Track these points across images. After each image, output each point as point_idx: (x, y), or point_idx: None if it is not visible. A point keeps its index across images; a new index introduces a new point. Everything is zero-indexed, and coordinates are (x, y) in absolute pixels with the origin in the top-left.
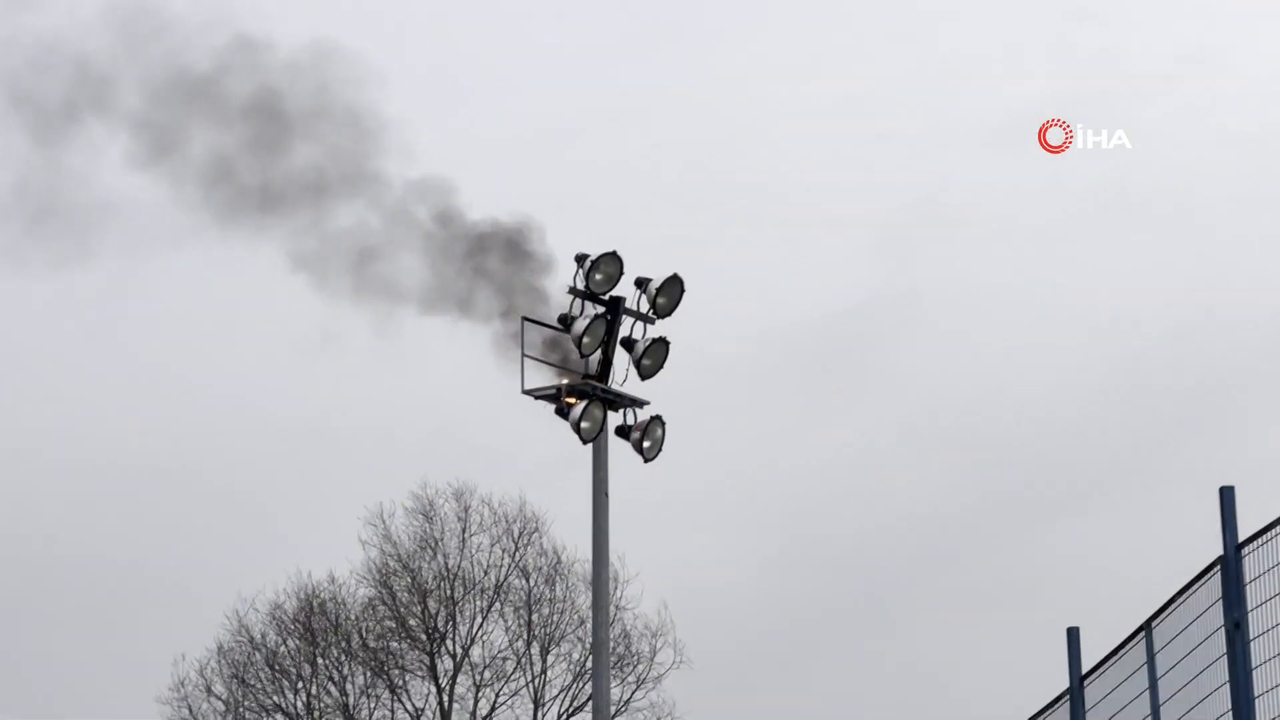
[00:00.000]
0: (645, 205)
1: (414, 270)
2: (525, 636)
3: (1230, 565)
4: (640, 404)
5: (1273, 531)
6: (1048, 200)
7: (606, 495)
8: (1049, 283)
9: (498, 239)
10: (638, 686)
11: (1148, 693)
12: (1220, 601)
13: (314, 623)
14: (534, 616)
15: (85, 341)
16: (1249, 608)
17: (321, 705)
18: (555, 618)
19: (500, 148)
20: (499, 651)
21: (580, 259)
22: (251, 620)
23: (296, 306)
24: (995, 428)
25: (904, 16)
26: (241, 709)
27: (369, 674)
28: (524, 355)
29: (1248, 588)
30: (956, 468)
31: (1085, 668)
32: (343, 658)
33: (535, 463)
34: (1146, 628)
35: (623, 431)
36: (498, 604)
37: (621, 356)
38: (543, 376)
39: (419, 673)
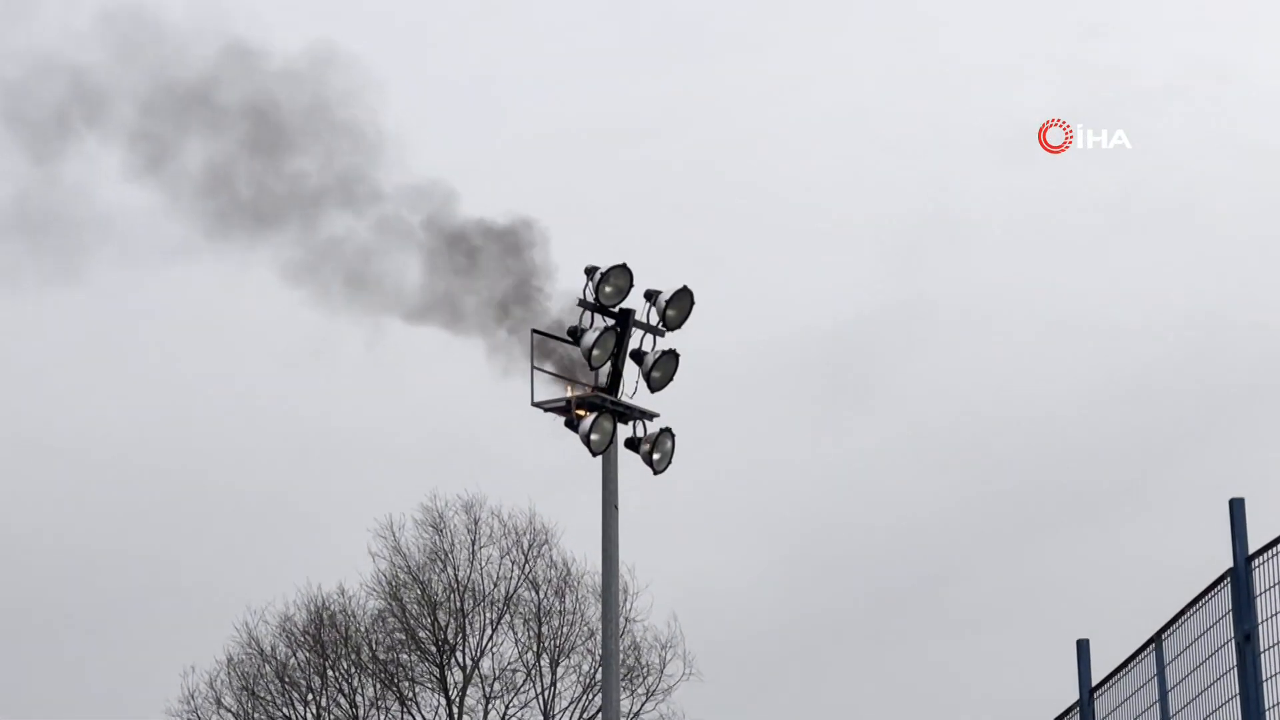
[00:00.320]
0: (654, 217)
1: (418, 280)
2: (535, 648)
3: (1240, 577)
4: (650, 416)
5: None
6: (1056, 210)
7: (616, 507)
8: (1057, 292)
9: (500, 248)
10: (648, 698)
11: (1158, 705)
12: (1230, 613)
13: (324, 635)
14: (544, 628)
15: (88, 354)
16: (1259, 620)
17: (331, 717)
18: (565, 629)
19: (505, 158)
20: (509, 663)
21: (590, 271)
22: (261, 632)
23: (302, 317)
24: (1004, 437)
25: (912, 26)
26: None
27: (379, 686)
28: (533, 368)
29: (1258, 600)
30: (966, 477)
31: (1095, 680)
32: (352, 670)
33: (545, 475)
34: (1156, 640)
35: (632, 444)
36: (507, 616)
37: (631, 369)
38: (548, 389)
39: (429, 685)
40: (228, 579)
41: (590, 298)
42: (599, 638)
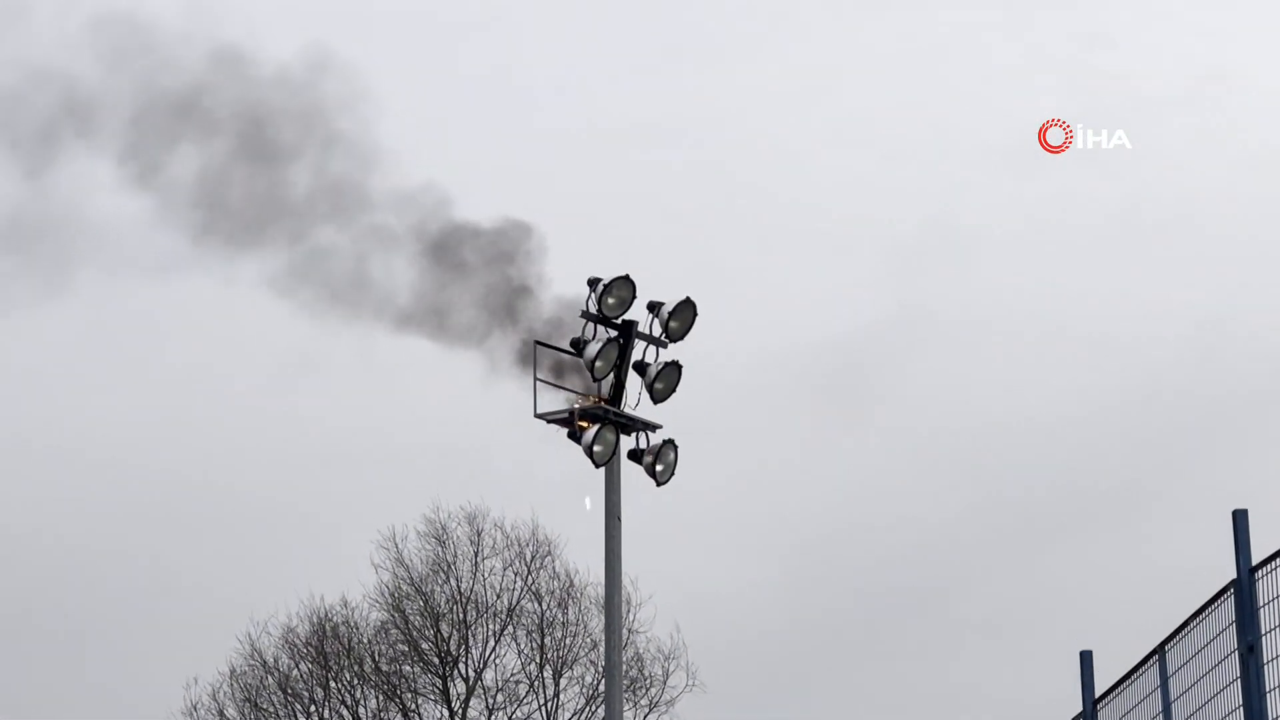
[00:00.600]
0: (657, 226)
1: (418, 289)
2: (538, 660)
3: (1244, 588)
4: (653, 428)
5: None
6: (1059, 218)
7: (619, 519)
8: (1061, 300)
9: (495, 255)
10: (650, 710)
11: (1161, 717)
12: (1234, 625)
13: (326, 646)
14: (547, 640)
15: (86, 364)
16: (1263, 631)
17: None
18: (568, 641)
19: (507, 168)
20: (512, 675)
21: (593, 283)
22: (264, 644)
23: (301, 326)
24: (1007, 445)
25: (915, 37)
26: None
27: (381, 698)
28: (536, 379)
29: (1261, 611)
30: (969, 486)
31: (1098, 691)
32: (355, 681)
33: (547, 486)
34: (1160, 651)
35: (635, 455)
36: (510, 627)
37: (634, 380)
38: (550, 400)
39: (431, 696)
40: (230, 590)
41: (593, 309)
42: (602, 649)
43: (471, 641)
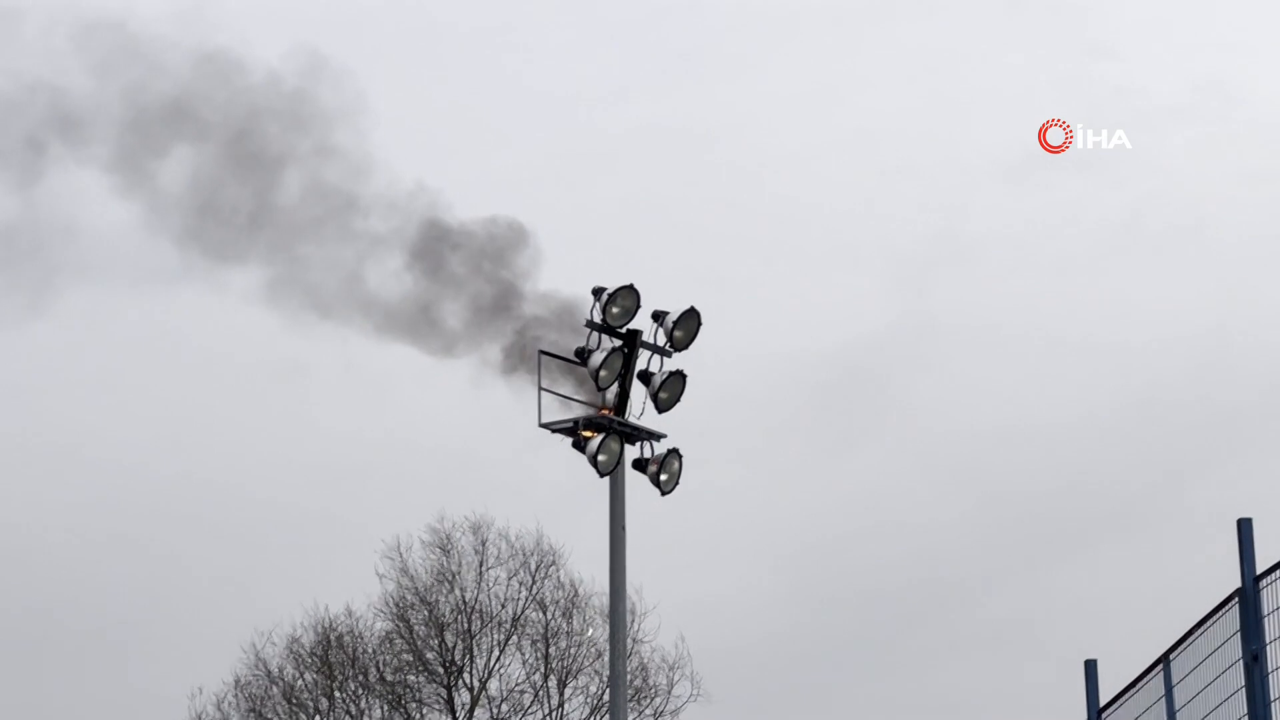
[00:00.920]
0: (662, 237)
1: (421, 297)
2: (542, 670)
3: (1248, 597)
4: (657, 437)
5: None
6: (1064, 233)
7: (623, 528)
8: (1065, 315)
9: (494, 264)
10: (655, 719)
11: None
12: (1238, 634)
13: (331, 656)
14: (551, 649)
15: (84, 376)
16: (1267, 640)
17: None
18: (572, 651)
19: (510, 178)
20: (516, 685)
21: (597, 292)
22: (269, 654)
23: (301, 337)
24: (1012, 456)
25: (919, 49)
26: None
27: (386, 707)
28: (540, 389)
29: (1266, 620)
30: (974, 497)
31: (1103, 700)
32: (360, 691)
33: (552, 495)
34: (1165, 660)
35: (640, 464)
36: (515, 637)
37: (638, 390)
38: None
39: (436, 706)
40: (235, 600)
41: (597, 319)
42: (606, 658)
43: (476, 651)
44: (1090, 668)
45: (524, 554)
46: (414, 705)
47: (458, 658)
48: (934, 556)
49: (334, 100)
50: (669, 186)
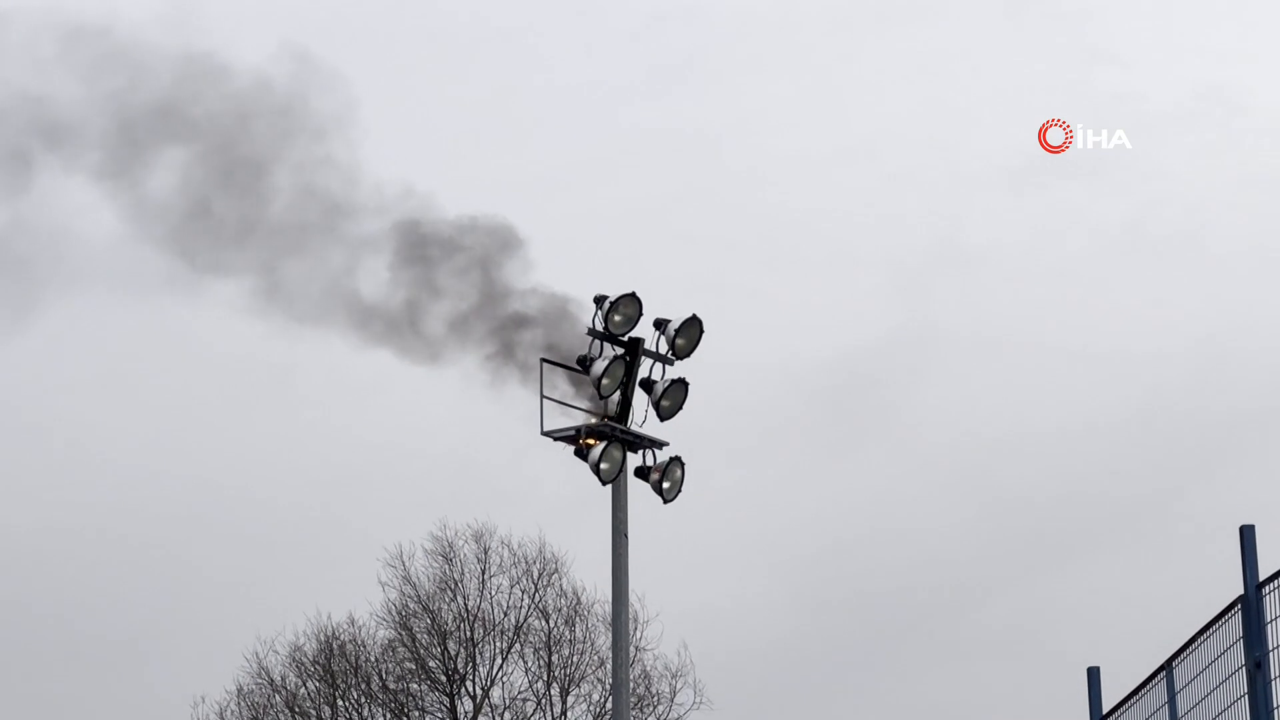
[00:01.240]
0: (663, 246)
1: (416, 305)
2: (545, 678)
3: (1251, 604)
4: (659, 445)
5: None
6: (1064, 240)
7: (626, 536)
8: (1065, 322)
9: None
10: None
11: None
12: (1241, 641)
13: (334, 664)
14: (554, 657)
15: (83, 383)
16: (1270, 646)
17: None
18: (575, 659)
19: (511, 187)
20: (519, 693)
21: (599, 300)
22: (271, 662)
23: (300, 345)
24: (1012, 464)
25: (920, 56)
26: None
27: (389, 716)
28: (543, 396)
29: (1269, 627)
30: (975, 504)
31: (1106, 708)
32: (363, 699)
33: (554, 503)
34: (1167, 667)
35: (642, 472)
36: (518, 645)
37: (640, 397)
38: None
39: (439, 714)
40: (237, 609)
41: (599, 326)
42: (609, 666)
43: (479, 659)
44: (1093, 675)
45: (526, 562)
46: (416, 714)
47: (460, 666)
48: (935, 563)
49: (326, 104)
50: (670, 193)
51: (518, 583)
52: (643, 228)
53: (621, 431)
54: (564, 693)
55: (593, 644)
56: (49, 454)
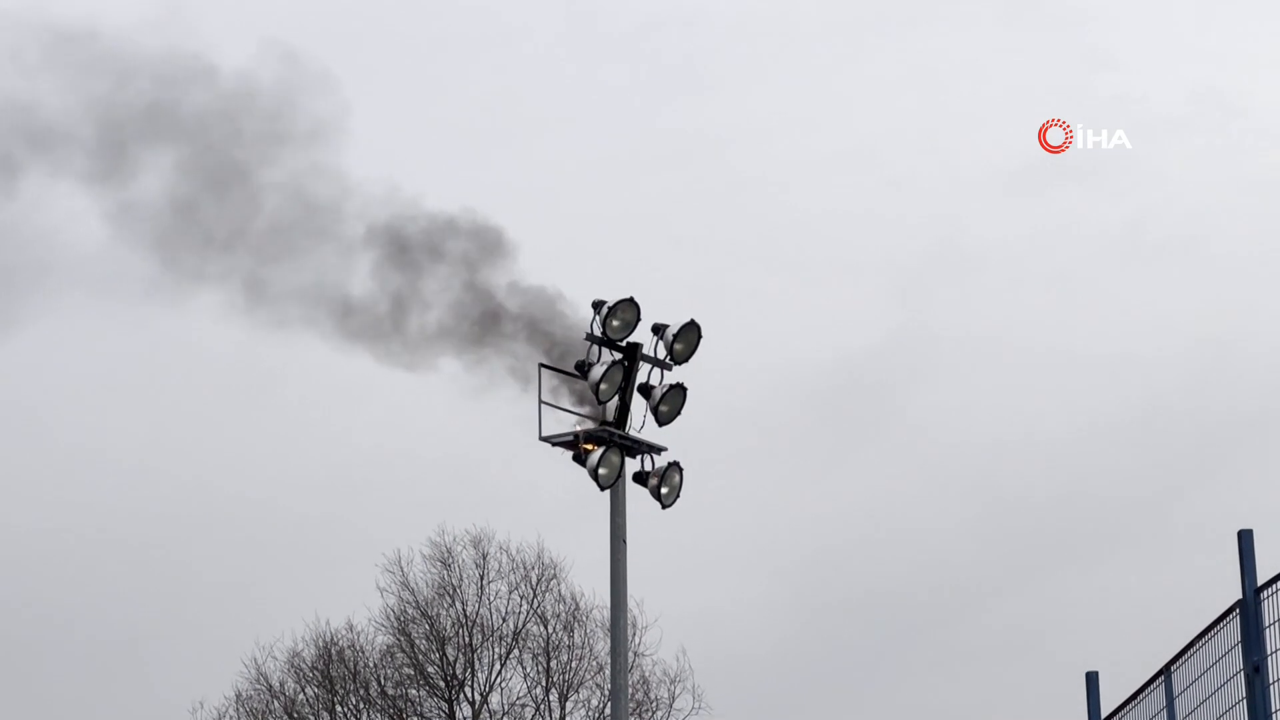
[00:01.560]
0: (661, 251)
1: (422, 310)
2: (544, 683)
3: (1249, 608)
4: (658, 450)
5: None
6: (1063, 244)
7: (624, 541)
8: (1065, 327)
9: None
10: None
11: None
12: (1239, 645)
13: (332, 670)
14: (552, 663)
15: (102, 381)
16: (1269, 651)
17: None
18: (574, 664)
19: (511, 193)
20: (518, 699)
21: (597, 305)
22: (270, 668)
23: (298, 350)
24: (1012, 468)
25: (918, 61)
26: None
27: None
28: (541, 402)
29: (1267, 631)
30: (973, 511)
31: (1104, 712)
32: (361, 705)
33: (553, 509)
34: (1166, 671)
35: (640, 478)
36: (516, 651)
37: (639, 403)
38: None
39: None
40: (235, 615)
41: (598, 332)
42: (608, 672)
43: (477, 665)
44: (1091, 679)
45: (525, 567)
46: (415, 719)
47: (459, 672)
48: (934, 567)
49: (316, 106)
50: (669, 199)
51: (516, 588)
52: (641, 232)
53: (620, 437)
54: (563, 698)
55: (591, 649)
56: (49, 455)
